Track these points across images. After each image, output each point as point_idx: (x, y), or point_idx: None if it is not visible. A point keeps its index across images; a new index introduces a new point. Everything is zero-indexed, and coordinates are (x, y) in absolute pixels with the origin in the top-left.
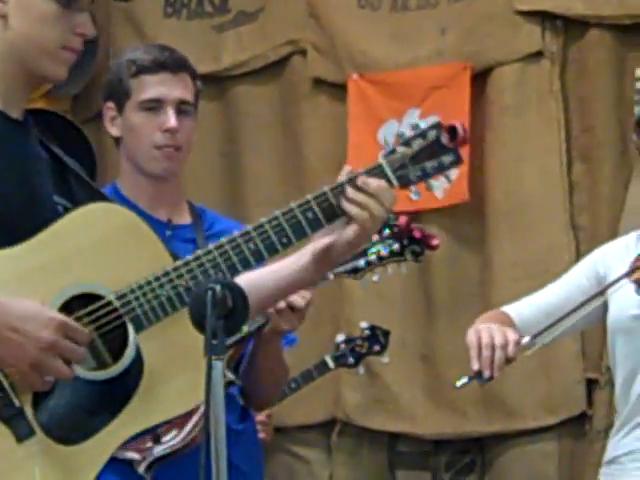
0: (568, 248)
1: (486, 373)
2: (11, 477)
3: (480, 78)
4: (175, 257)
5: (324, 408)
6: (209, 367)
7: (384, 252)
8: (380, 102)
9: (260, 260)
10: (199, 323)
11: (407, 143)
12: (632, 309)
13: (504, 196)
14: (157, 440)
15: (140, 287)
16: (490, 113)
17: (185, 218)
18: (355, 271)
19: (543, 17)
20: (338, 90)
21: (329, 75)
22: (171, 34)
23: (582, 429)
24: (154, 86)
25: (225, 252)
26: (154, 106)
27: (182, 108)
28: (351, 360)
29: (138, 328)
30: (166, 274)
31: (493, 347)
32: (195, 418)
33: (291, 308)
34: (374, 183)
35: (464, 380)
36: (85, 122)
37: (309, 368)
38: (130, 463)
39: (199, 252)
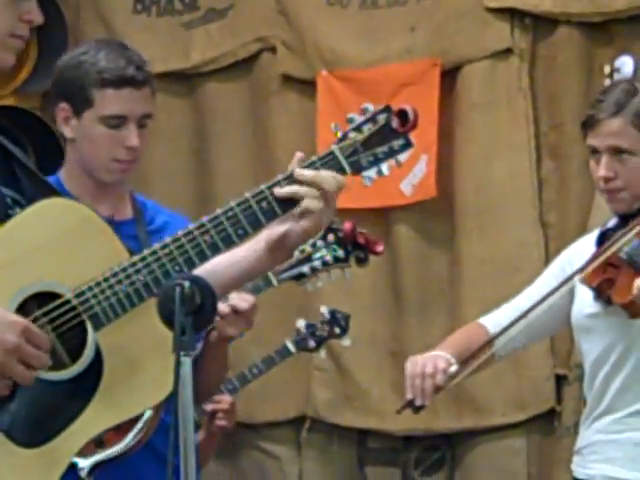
0: (537, 245)
1: (417, 401)
2: None
3: (449, 75)
4: (131, 252)
5: (294, 405)
6: (178, 363)
7: (328, 258)
8: (349, 99)
9: (216, 252)
10: (168, 319)
11: (358, 128)
12: (587, 308)
13: (473, 193)
14: (101, 444)
15: (98, 284)
16: (459, 110)
17: (127, 213)
18: (300, 277)
19: (512, 14)
20: (307, 87)
21: (298, 72)
22: (140, 31)
23: (551, 425)
24: (119, 102)
25: (182, 245)
26: (117, 123)
27: (142, 122)
28: (312, 344)
29: (97, 326)
30: (123, 270)
31: (423, 376)
32: (140, 424)
33: (235, 312)
34: (309, 172)
35: (400, 406)
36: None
37: (270, 354)
38: (73, 466)
39: (156, 246)
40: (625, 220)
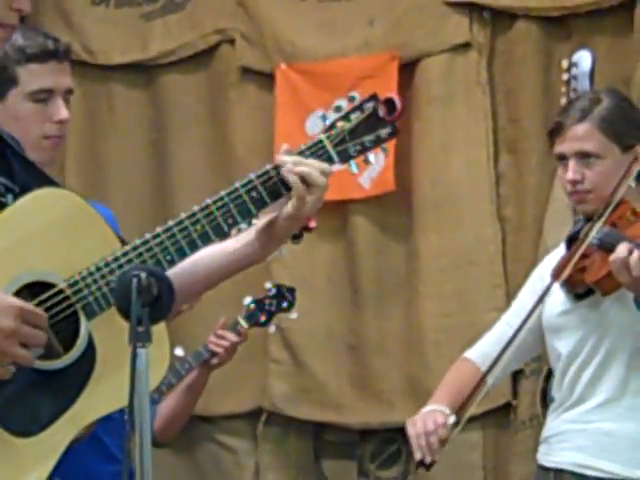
0: (494, 239)
1: (426, 459)
2: None
3: (408, 68)
4: (123, 242)
5: (251, 397)
6: (134, 355)
7: None
8: (308, 92)
9: (207, 242)
10: (124, 310)
11: (346, 117)
12: (557, 307)
13: (430, 186)
14: None
15: (91, 274)
16: (417, 103)
17: None
18: None
19: (471, 8)
20: (266, 79)
21: (257, 64)
22: (99, 22)
23: (507, 419)
24: (45, 76)
25: (173, 235)
26: (44, 97)
27: (66, 97)
28: (262, 318)
29: (90, 316)
30: (116, 259)
31: (427, 434)
32: None
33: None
34: (306, 161)
35: (415, 468)
36: None
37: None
38: None
39: (147, 236)
40: (590, 222)
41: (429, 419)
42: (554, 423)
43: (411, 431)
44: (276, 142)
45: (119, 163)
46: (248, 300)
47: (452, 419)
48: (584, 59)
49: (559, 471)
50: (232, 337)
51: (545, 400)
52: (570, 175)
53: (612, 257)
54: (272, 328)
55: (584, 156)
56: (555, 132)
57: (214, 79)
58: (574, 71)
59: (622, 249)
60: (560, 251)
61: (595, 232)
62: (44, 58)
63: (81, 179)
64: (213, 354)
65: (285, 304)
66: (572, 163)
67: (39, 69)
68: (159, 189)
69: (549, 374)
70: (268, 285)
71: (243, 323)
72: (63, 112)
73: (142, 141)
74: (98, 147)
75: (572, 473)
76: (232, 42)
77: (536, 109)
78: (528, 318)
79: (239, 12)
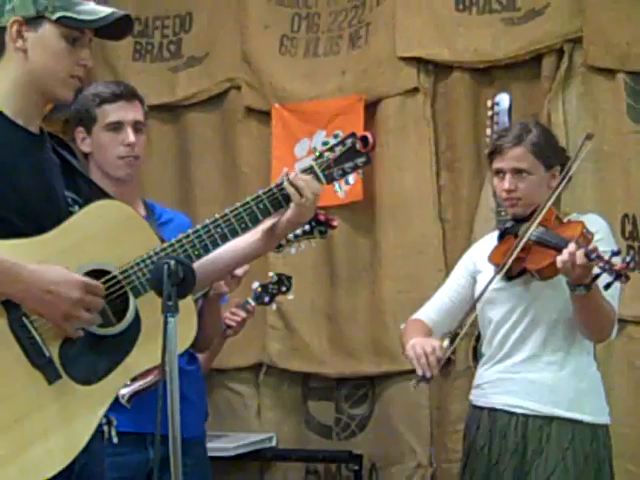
0: (437, 235)
1: (427, 374)
2: (45, 411)
3: (371, 107)
4: (162, 240)
5: (254, 354)
6: (165, 322)
7: (298, 232)
8: (296, 125)
9: (225, 241)
10: (158, 289)
11: (331, 149)
12: (492, 284)
13: (389, 196)
14: (134, 380)
15: (137, 264)
16: (378, 133)
17: (141, 212)
18: (278, 246)
19: (418, 62)
20: (264, 116)
21: (258, 105)
22: (138, 73)
23: (447, 369)
24: (115, 112)
25: (199, 236)
26: (116, 127)
27: (137, 127)
28: (267, 299)
29: (136, 295)
30: (156, 253)
31: (426, 354)
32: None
33: (232, 275)
34: (302, 178)
35: (414, 382)
36: (73, 140)
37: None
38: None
39: (180, 236)
40: (519, 222)
41: (427, 343)
42: (486, 373)
43: (411, 353)
44: (273, 163)
45: (154, 180)
46: (255, 285)
47: (446, 342)
48: (504, 100)
49: (493, 410)
50: (243, 314)
51: (476, 356)
52: (506, 185)
53: (563, 254)
54: (274, 306)
55: (518, 172)
56: (494, 152)
57: (225, 116)
58: (496, 109)
59: (572, 248)
60: (485, 241)
61: (531, 231)
62: (113, 99)
63: None
64: (228, 327)
65: (284, 288)
66: (508, 176)
67: (110, 107)
68: (184, 200)
69: (479, 336)
70: (271, 274)
71: (252, 302)
72: (131, 137)
73: (171, 163)
74: (138, 168)
75: (504, 411)
76: (239, 88)
77: (468, 138)
78: (484, 292)
79: (244, 66)
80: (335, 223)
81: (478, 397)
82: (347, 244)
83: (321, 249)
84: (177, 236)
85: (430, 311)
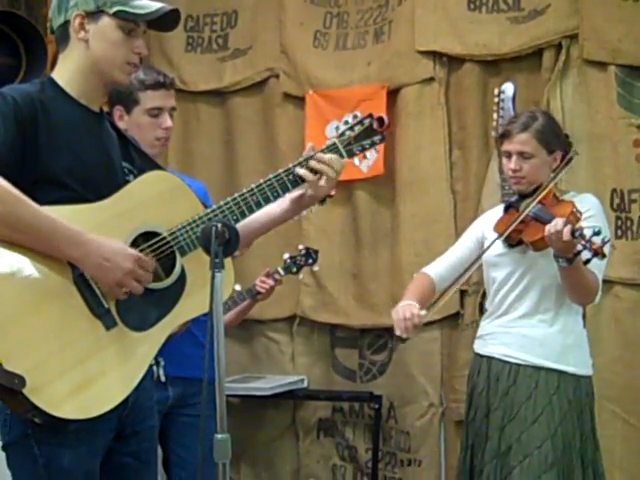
0: (449, 205)
1: (403, 335)
2: (104, 353)
3: (393, 94)
4: (206, 206)
5: (288, 307)
6: (213, 277)
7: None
8: (327, 109)
9: (259, 207)
10: (206, 248)
11: (351, 128)
12: (496, 250)
13: (407, 171)
14: None
15: (183, 227)
16: (399, 117)
17: None
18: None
19: (434, 55)
20: (299, 101)
21: (294, 91)
22: (190, 63)
23: (456, 322)
24: (158, 98)
25: (237, 203)
26: (156, 113)
27: (171, 113)
28: (294, 269)
29: (182, 254)
30: (200, 218)
31: (405, 319)
32: None
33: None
34: (327, 156)
35: (394, 339)
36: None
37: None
38: None
39: (221, 203)
40: (522, 197)
41: (407, 310)
42: (487, 326)
43: (395, 316)
44: (306, 142)
45: (202, 155)
46: (286, 256)
47: (423, 312)
48: (509, 88)
49: (490, 358)
50: (271, 282)
51: (481, 310)
52: (512, 165)
53: (548, 228)
54: (301, 275)
55: (523, 154)
56: (504, 136)
57: (265, 101)
58: (502, 96)
59: (559, 223)
60: (492, 213)
61: (531, 207)
62: (157, 87)
63: (178, 166)
64: (258, 292)
65: (310, 260)
66: (514, 158)
67: (153, 94)
68: (229, 173)
69: (484, 293)
70: (300, 246)
71: (281, 272)
72: (168, 122)
73: (218, 141)
74: (189, 145)
75: (499, 360)
76: (277, 77)
77: (477, 121)
78: (481, 255)
79: (282, 57)
80: (332, 193)
81: (480, 346)
82: (370, 213)
83: (347, 217)
84: (218, 203)
85: (439, 267)
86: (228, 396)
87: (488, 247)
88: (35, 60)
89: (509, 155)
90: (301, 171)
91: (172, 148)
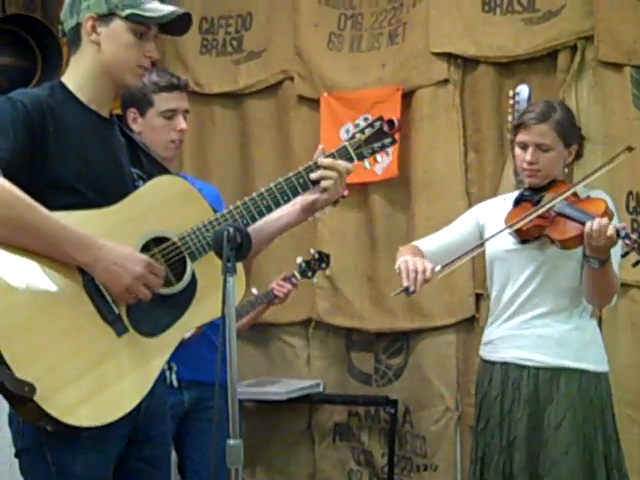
0: (464, 207)
1: (411, 288)
2: (116, 359)
3: (407, 96)
4: (215, 211)
5: (304, 311)
6: (225, 281)
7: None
8: (341, 111)
9: (270, 211)
10: (218, 253)
11: (362, 131)
12: (506, 245)
13: (422, 173)
14: None
15: (193, 232)
16: (414, 119)
17: None
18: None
19: (449, 57)
20: (314, 103)
21: (308, 93)
22: (205, 65)
23: (472, 326)
24: (172, 100)
25: (248, 207)
26: (170, 115)
27: (185, 115)
28: (309, 273)
29: (193, 259)
30: (210, 222)
31: (416, 271)
32: None
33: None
34: (327, 160)
35: (397, 291)
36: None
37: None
38: None
39: (231, 207)
40: (535, 191)
41: (419, 262)
42: (496, 330)
43: (403, 266)
44: (321, 144)
45: (217, 158)
46: (300, 260)
47: (438, 268)
48: (523, 90)
49: (504, 364)
50: (288, 286)
51: None
52: (528, 157)
53: (590, 225)
54: (315, 280)
55: (540, 147)
56: (521, 126)
57: (280, 103)
58: (517, 98)
59: (602, 222)
60: (495, 202)
61: (554, 202)
62: (171, 89)
63: (193, 169)
64: (275, 296)
65: (323, 265)
66: (531, 150)
67: (167, 96)
68: (244, 175)
69: None
70: (312, 251)
71: (298, 276)
72: (183, 124)
73: (233, 143)
74: (204, 148)
75: (515, 365)
76: (292, 79)
77: (492, 123)
78: (485, 241)
79: (297, 59)
80: (345, 193)
81: (490, 352)
82: (385, 215)
83: (362, 219)
84: (228, 207)
85: (429, 243)
86: (243, 400)
87: (497, 234)
88: (50, 63)
89: (524, 146)
90: (312, 175)
91: (187, 151)
